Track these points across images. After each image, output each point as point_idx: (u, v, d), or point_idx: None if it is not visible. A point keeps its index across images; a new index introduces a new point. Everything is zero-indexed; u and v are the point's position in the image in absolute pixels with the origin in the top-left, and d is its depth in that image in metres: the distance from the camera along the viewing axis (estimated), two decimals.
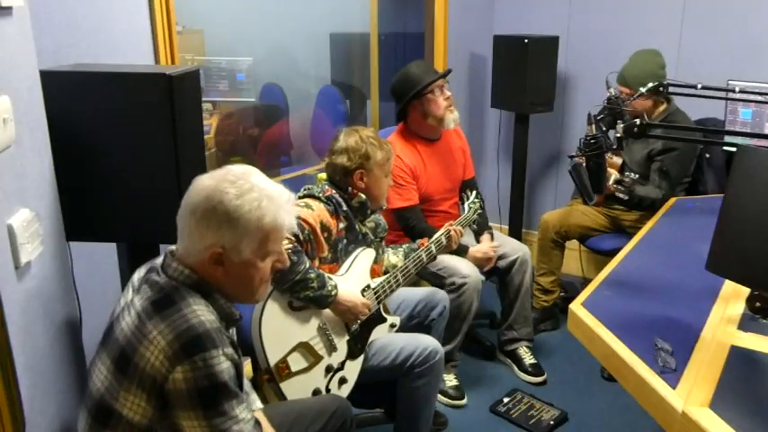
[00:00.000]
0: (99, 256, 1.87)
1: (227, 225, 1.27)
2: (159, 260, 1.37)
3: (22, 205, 1.32)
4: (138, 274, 1.39)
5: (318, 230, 1.99)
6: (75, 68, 1.60)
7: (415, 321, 2.33)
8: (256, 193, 1.29)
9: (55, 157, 1.50)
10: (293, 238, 1.89)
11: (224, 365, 1.22)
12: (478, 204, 2.57)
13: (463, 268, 2.59)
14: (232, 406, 1.23)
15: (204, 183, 1.30)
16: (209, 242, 1.28)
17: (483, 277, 2.67)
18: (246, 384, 1.65)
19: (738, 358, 1.44)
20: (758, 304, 1.61)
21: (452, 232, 2.37)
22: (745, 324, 1.60)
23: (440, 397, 2.62)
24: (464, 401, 2.71)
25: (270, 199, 1.30)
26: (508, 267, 2.85)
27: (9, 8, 1.28)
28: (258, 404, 1.64)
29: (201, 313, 1.25)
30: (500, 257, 2.82)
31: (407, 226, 2.70)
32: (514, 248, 2.88)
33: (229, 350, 1.25)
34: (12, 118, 1.26)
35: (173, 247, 1.36)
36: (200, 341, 1.21)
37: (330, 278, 1.98)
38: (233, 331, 1.44)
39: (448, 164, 2.89)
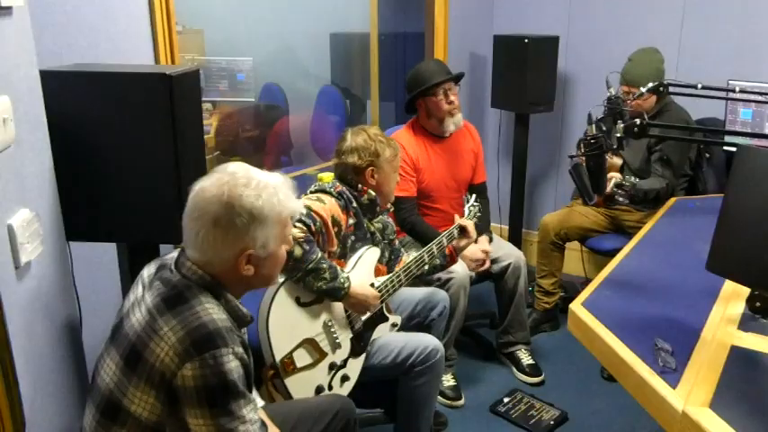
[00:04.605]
0: (99, 256, 1.88)
1: (255, 225, 1.29)
2: (171, 256, 1.37)
3: (22, 205, 1.32)
4: (149, 271, 1.39)
5: (330, 224, 2.00)
6: (75, 68, 1.60)
7: (416, 321, 2.33)
8: (271, 188, 1.33)
9: (55, 157, 1.50)
10: (305, 228, 1.89)
11: (233, 364, 1.23)
12: (477, 208, 2.57)
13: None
14: (240, 405, 1.24)
15: (214, 190, 1.28)
16: (240, 247, 1.30)
17: (471, 274, 2.66)
18: None
19: (738, 358, 1.44)
20: (758, 304, 1.61)
21: (463, 223, 2.35)
22: (745, 324, 1.59)
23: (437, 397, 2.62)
24: (461, 402, 2.71)
25: (280, 190, 1.35)
26: (501, 272, 2.84)
27: (9, 8, 1.28)
28: (259, 402, 1.64)
29: (213, 312, 1.26)
30: (493, 261, 2.81)
31: (399, 216, 2.70)
32: (508, 253, 2.87)
33: (239, 349, 1.26)
34: (12, 118, 1.26)
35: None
36: (210, 338, 1.22)
37: (342, 270, 1.98)
38: (244, 331, 1.44)
39: (454, 162, 2.89)
